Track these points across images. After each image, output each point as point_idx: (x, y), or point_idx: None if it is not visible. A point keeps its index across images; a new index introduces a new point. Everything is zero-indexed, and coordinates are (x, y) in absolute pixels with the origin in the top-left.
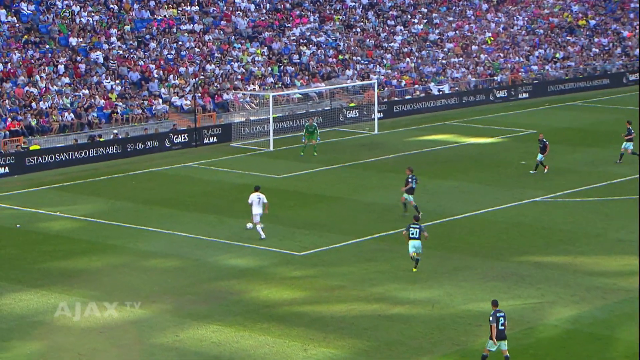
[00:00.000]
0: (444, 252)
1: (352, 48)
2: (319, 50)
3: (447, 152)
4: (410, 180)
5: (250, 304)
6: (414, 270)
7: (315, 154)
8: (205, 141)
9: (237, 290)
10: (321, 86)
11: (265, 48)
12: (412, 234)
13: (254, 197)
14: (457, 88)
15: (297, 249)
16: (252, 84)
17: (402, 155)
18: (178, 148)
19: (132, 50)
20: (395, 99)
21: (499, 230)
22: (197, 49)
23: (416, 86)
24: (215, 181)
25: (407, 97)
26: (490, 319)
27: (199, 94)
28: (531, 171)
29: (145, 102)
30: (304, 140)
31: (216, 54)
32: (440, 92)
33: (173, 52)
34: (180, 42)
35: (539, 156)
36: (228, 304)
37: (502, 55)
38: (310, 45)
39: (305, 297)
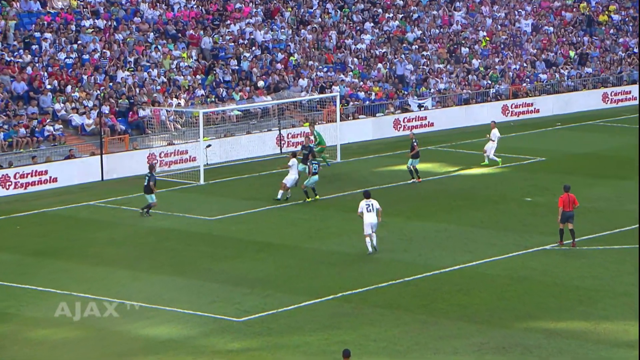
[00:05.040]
0: (428, 316)
1: (307, 51)
2: (264, 54)
3: (430, 186)
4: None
5: None
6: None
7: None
8: (114, 173)
9: None
10: (267, 100)
11: (194, 50)
12: (314, 169)
13: None
14: (442, 103)
15: (235, 313)
16: (177, 97)
17: (370, 189)
18: (78, 182)
19: (16, 54)
20: (363, 116)
21: (498, 287)
22: (104, 51)
23: (390, 100)
24: (128, 225)
25: (378, 115)
26: None
27: (107, 111)
28: (412, 180)
29: (35, 122)
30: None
31: (129, 58)
32: (422, 108)
33: (73, 55)
34: (81, 43)
35: (413, 162)
36: None
37: (500, 60)
38: (253, 48)
39: None
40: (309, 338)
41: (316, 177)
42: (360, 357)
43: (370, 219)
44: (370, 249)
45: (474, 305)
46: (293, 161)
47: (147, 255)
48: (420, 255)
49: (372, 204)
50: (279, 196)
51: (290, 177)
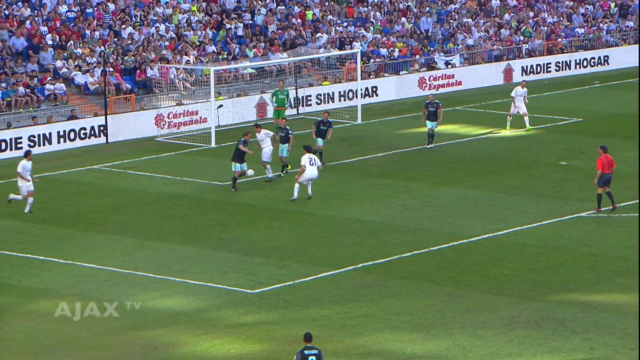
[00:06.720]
0: (455, 288)
1: (326, 4)
2: (279, 8)
3: (458, 149)
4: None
5: None
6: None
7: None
8: (119, 135)
9: (165, 343)
10: (283, 57)
11: (204, 3)
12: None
13: None
14: (471, 60)
15: (249, 284)
16: (186, 54)
17: (394, 153)
18: (81, 145)
19: (14, 6)
20: (386, 75)
21: (530, 257)
22: (108, 5)
23: (416, 57)
24: (134, 190)
25: (402, 73)
26: (295, 358)
27: (111, 69)
28: (429, 145)
29: (35, 80)
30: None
31: (134, 12)
32: (449, 66)
33: (75, 9)
34: None
35: (434, 124)
36: None
37: (534, 13)
38: (267, 1)
39: (260, 351)
40: (327, 311)
41: (285, 144)
42: (382, 331)
43: (312, 172)
44: (296, 194)
45: (504, 276)
46: (261, 135)
47: (155, 223)
48: (447, 224)
49: (314, 158)
50: (269, 175)
51: (265, 152)
